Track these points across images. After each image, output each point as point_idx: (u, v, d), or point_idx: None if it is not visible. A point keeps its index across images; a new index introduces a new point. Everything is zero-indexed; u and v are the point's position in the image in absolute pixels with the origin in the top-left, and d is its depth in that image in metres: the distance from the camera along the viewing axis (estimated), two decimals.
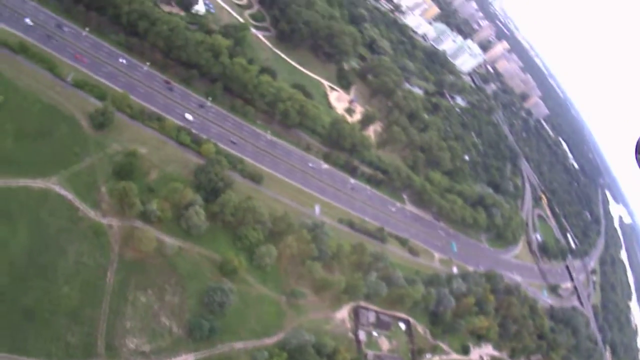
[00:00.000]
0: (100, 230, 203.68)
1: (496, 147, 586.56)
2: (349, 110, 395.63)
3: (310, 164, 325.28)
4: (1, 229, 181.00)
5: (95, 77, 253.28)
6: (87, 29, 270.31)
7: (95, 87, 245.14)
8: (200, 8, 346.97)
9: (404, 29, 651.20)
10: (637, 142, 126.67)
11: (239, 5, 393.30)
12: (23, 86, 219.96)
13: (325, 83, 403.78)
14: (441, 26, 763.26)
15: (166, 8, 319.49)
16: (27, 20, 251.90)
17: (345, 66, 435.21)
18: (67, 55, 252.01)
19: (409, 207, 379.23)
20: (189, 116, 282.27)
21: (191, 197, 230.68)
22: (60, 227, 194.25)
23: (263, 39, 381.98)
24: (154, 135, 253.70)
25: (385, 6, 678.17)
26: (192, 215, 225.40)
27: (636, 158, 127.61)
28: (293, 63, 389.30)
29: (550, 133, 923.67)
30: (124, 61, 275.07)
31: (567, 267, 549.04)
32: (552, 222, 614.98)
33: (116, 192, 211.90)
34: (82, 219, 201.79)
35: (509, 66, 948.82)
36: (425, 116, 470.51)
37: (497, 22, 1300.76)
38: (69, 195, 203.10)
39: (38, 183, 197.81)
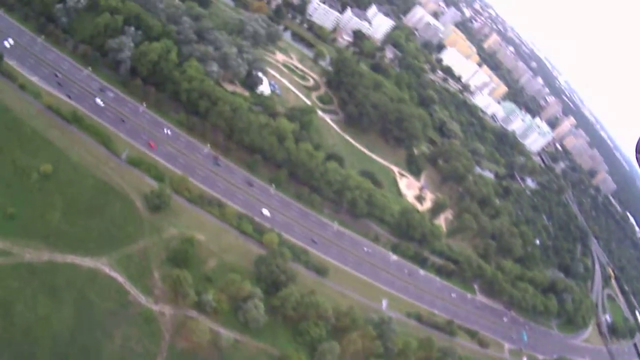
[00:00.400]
0: (150, 316, 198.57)
1: (566, 229, 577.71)
2: (419, 198, 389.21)
3: (365, 248, 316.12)
4: (44, 303, 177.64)
5: (152, 156, 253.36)
6: (144, 104, 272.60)
7: (152, 167, 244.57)
8: (265, 89, 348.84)
9: (473, 110, 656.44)
10: (638, 142, 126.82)
11: (305, 87, 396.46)
12: (75, 158, 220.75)
13: (395, 169, 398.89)
14: (510, 105, 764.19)
15: (229, 87, 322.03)
16: (98, 101, 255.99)
17: (416, 151, 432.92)
18: (123, 130, 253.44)
19: (480, 298, 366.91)
20: (266, 212, 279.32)
21: (250, 290, 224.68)
22: (108, 309, 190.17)
23: (330, 122, 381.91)
24: (214, 222, 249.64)
25: (454, 87, 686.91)
26: (250, 309, 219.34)
27: (637, 158, 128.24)
28: (361, 148, 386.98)
29: (618, 208, 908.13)
30: (169, 132, 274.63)
31: (635, 345, 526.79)
32: (621, 300, 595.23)
33: (169, 280, 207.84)
34: (132, 304, 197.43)
35: (577, 142, 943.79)
36: (497, 201, 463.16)
37: (563, 97, 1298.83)
38: (120, 278, 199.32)
39: (86, 262, 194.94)
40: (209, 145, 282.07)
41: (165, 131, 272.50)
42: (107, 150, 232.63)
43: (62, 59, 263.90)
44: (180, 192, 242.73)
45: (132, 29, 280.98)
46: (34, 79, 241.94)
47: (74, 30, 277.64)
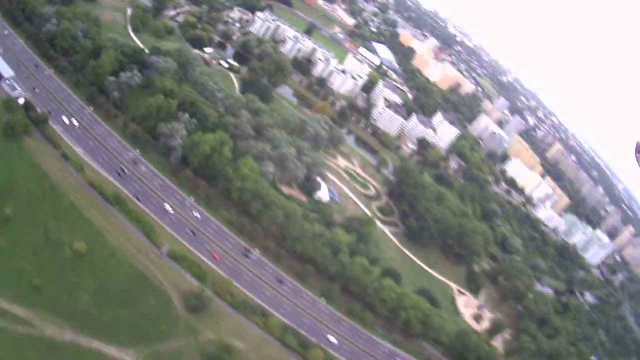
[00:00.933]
0: None
1: (622, 343, 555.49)
2: (477, 317, 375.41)
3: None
4: None
5: (195, 253, 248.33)
6: (192, 197, 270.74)
7: (194, 265, 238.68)
8: (324, 195, 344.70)
9: (535, 224, 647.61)
10: (638, 142, 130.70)
11: (366, 196, 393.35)
12: (113, 242, 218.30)
13: (454, 287, 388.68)
14: (572, 218, 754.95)
15: (286, 190, 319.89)
16: (167, 207, 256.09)
17: (476, 268, 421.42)
18: (168, 221, 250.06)
19: None
20: (333, 339, 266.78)
21: None
22: None
23: (390, 234, 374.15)
24: (256, 331, 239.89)
25: (517, 199, 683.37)
26: None
27: (636, 157, 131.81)
28: (421, 264, 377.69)
29: None
30: (198, 215, 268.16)
31: None
32: None
33: None
34: None
35: (636, 252, 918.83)
36: (556, 319, 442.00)
37: (623, 205, 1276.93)
38: None
39: (112, 351, 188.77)
40: (257, 250, 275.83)
41: (195, 214, 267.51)
42: (147, 240, 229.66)
43: (111, 135, 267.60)
44: (222, 295, 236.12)
45: (187, 115, 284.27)
46: (79, 150, 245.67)
47: (126, 106, 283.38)
